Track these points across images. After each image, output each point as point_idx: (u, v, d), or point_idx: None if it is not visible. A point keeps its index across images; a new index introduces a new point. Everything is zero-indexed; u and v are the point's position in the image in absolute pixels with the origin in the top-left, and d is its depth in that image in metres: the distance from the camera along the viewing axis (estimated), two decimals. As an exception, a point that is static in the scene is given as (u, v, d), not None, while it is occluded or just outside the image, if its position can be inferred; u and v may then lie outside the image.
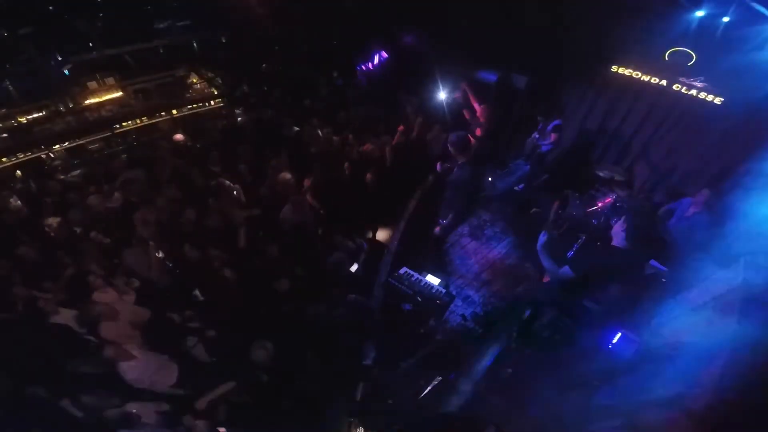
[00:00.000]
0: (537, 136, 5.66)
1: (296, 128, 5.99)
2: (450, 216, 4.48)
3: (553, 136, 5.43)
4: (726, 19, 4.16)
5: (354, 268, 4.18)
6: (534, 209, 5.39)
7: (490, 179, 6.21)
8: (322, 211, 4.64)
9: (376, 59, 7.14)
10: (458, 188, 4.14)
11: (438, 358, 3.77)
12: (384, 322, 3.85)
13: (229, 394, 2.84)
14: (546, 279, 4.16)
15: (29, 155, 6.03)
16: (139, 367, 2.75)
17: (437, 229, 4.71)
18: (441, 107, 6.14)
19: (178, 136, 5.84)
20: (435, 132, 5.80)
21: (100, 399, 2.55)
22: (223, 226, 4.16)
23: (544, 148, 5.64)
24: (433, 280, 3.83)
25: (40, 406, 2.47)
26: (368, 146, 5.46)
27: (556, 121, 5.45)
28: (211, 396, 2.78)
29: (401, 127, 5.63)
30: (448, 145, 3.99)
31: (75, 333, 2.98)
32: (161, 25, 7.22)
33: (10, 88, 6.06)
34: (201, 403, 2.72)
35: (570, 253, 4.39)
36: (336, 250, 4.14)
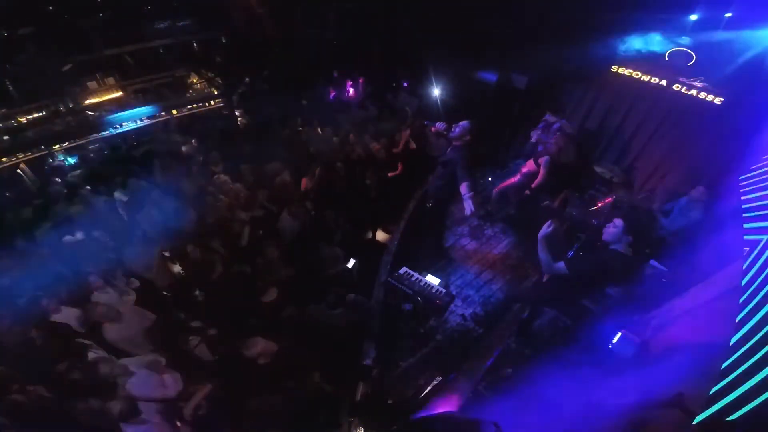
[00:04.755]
0: (540, 133, 5.61)
1: (298, 128, 6.00)
2: (465, 186, 4.01)
3: (557, 136, 5.39)
4: (728, 15, 4.16)
5: (351, 263, 4.18)
6: (546, 202, 5.33)
7: (490, 179, 6.22)
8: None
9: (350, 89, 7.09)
10: (449, 166, 4.10)
11: (438, 358, 3.77)
12: (384, 322, 3.85)
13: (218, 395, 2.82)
14: (546, 279, 4.17)
15: (29, 155, 6.04)
16: (144, 384, 2.73)
17: (468, 208, 3.97)
18: (437, 107, 6.17)
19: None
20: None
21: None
22: (225, 225, 4.17)
23: (548, 146, 5.59)
24: (433, 280, 3.83)
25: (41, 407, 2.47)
26: (376, 146, 5.47)
27: (562, 121, 5.44)
28: (196, 400, 2.73)
29: (406, 132, 5.66)
30: (452, 131, 4.03)
31: (75, 332, 2.98)
32: (161, 25, 7.22)
33: (10, 88, 6.06)
34: (187, 410, 2.67)
35: (570, 253, 4.40)
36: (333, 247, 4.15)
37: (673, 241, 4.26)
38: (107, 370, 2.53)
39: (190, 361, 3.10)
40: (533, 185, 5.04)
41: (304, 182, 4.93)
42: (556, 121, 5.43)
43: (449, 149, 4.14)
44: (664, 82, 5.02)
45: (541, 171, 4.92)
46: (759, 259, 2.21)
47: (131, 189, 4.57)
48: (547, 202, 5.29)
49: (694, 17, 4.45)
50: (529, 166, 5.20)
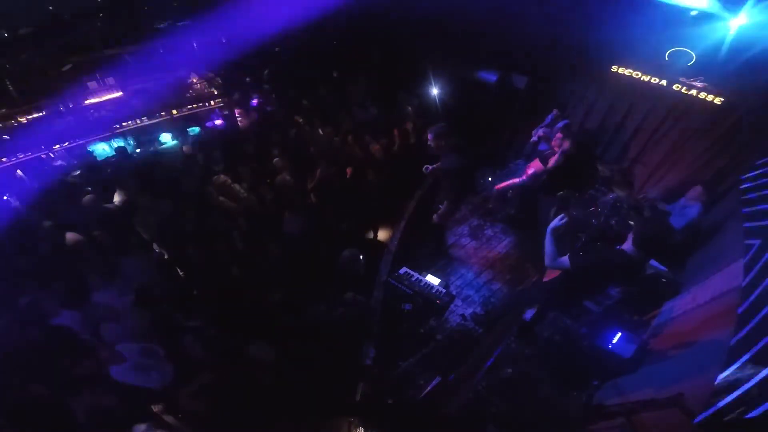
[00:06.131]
0: (543, 130, 5.60)
1: (295, 129, 5.99)
2: (445, 203, 4.45)
3: (559, 135, 5.38)
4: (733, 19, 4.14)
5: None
6: (560, 192, 5.29)
7: (490, 179, 6.23)
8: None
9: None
10: (449, 176, 4.18)
11: (438, 358, 3.77)
12: (384, 322, 3.85)
13: (214, 388, 2.84)
14: (546, 278, 4.17)
15: (29, 155, 6.02)
16: (128, 370, 2.72)
17: (435, 216, 4.61)
18: (437, 106, 6.18)
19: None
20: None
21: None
22: (225, 226, 4.17)
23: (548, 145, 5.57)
24: (433, 280, 3.84)
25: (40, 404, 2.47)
26: (376, 147, 5.48)
27: (564, 121, 5.43)
28: (191, 388, 2.78)
29: (396, 132, 5.67)
30: (430, 142, 4.09)
31: (75, 334, 2.97)
32: (161, 25, 7.23)
33: (10, 88, 6.06)
34: (182, 398, 2.71)
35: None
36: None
37: (675, 241, 4.26)
38: (104, 354, 2.56)
39: (188, 360, 3.10)
40: (549, 165, 5.03)
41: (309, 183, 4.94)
42: (561, 119, 5.43)
43: (443, 158, 4.19)
44: (664, 82, 5.01)
45: (557, 157, 4.93)
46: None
47: (127, 191, 4.56)
48: (563, 192, 5.25)
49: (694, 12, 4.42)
50: (534, 166, 5.20)
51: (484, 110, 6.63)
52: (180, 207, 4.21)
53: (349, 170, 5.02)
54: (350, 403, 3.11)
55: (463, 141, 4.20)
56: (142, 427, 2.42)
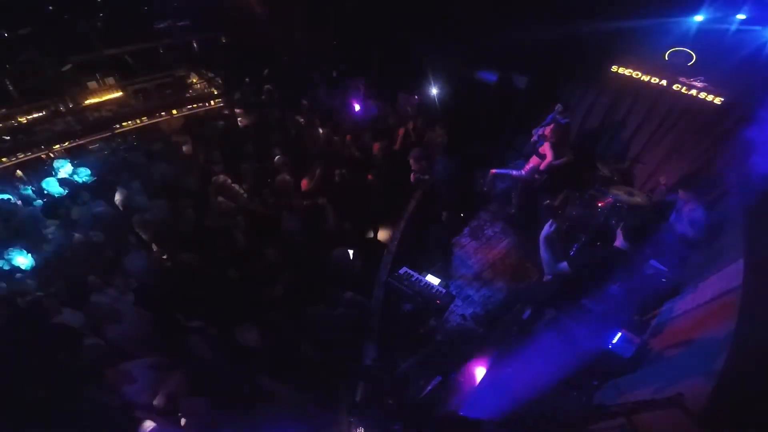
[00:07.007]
0: (543, 129, 5.60)
1: (295, 129, 6.00)
2: (444, 214, 4.86)
3: (550, 128, 5.35)
4: (740, 15, 4.15)
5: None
6: (546, 201, 5.33)
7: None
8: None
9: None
10: (443, 183, 4.47)
11: (438, 358, 3.77)
12: (384, 322, 3.85)
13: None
14: (546, 278, 4.17)
15: (29, 155, 6.02)
16: (140, 390, 2.69)
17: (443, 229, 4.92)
18: (437, 106, 6.21)
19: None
20: (436, 132, 5.82)
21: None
22: (224, 226, 4.16)
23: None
24: (433, 280, 3.83)
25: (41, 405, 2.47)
26: (377, 146, 5.49)
27: (564, 120, 5.43)
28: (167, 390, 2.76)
29: (401, 131, 5.68)
30: (412, 161, 4.46)
31: (76, 333, 2.97)
32: (161, 25, 7.23)
33: (10, 88, 6.05)
34: (159, 400, 2.69)
35: (571, 253, 4.40)
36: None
37: (673, 240, 4.26)
38: (113, 376, 2.56)
39: (191, 360, 3.10)
40: (542, 167, 5.08)
41: (305, 183, 4.94)
42: (564, 114, 5.43)
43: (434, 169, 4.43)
44: (664, 82, 5.01)
45: (549, 153, 4.94)
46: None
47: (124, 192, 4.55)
48: (548, 201, 5.30)
49: (699, 18, 4.43)
50: (533, 162, 5.20)
51: (484, 110, 6.64)
52: (178, 207, 4.21)
53: (339, 171, 5.05)
54: (350, 403, 3.10)
55: (446, 154, 4.40)
56: (151, 424, 2.42)
